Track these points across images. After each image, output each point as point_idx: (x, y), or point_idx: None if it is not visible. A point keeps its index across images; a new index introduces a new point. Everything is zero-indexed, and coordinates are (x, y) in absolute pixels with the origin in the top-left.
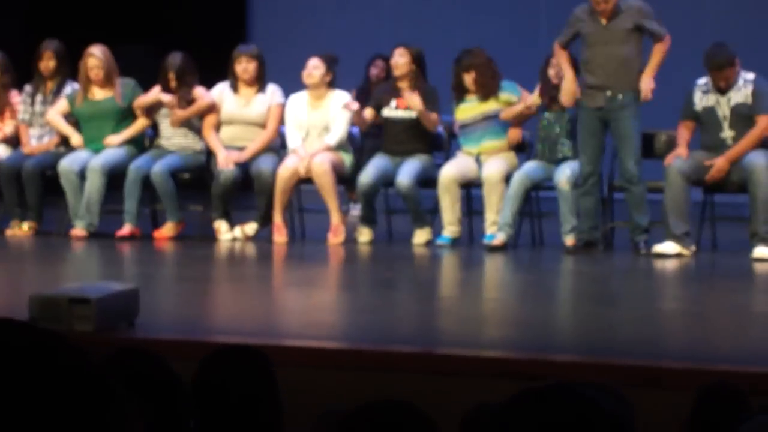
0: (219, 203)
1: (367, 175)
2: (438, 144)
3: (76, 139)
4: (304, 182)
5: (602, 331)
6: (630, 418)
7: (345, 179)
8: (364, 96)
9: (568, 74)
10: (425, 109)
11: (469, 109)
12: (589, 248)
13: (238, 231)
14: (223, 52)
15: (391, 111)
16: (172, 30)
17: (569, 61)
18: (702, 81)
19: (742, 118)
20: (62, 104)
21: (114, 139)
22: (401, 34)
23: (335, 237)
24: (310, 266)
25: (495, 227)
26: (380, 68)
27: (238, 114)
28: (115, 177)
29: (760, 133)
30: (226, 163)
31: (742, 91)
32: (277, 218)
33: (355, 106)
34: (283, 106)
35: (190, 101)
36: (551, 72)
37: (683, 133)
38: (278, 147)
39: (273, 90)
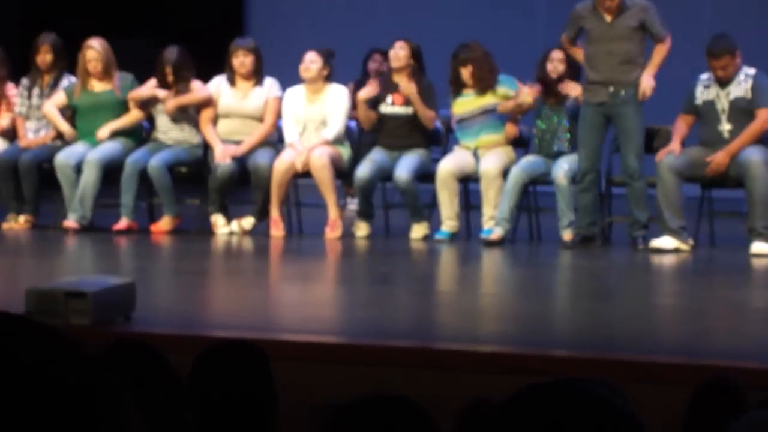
0: (216, 197)
1: (364, 170)
2: (435, 138)
3: (68, 133)
4: (301, 176)
5: (599, 326)
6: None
7: (343, 173)
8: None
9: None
10: (422, 103)
11: (466, 103)
12: (587, 243)
13: (235, 225)
14: (220, 45)
15: (387, 107)
16: (170, 24)
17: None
18: (704, 76)
19: (741, 112)
20: (59, 97)
21: (103, 131)
22: (398, 28)
23: (332, 231)
24: (307, 261)
25: (492, 222)
26: (379, 62)
27: (236, 107)
28: (111, 170)
29: (759, 126)
30: (223, 157)
31: (742, 86)
32: (274, 212)
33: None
34: (280, 100)
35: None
36: (549, 66)
37: (680, 126)
38: (275, 141)
39: (270, 83)
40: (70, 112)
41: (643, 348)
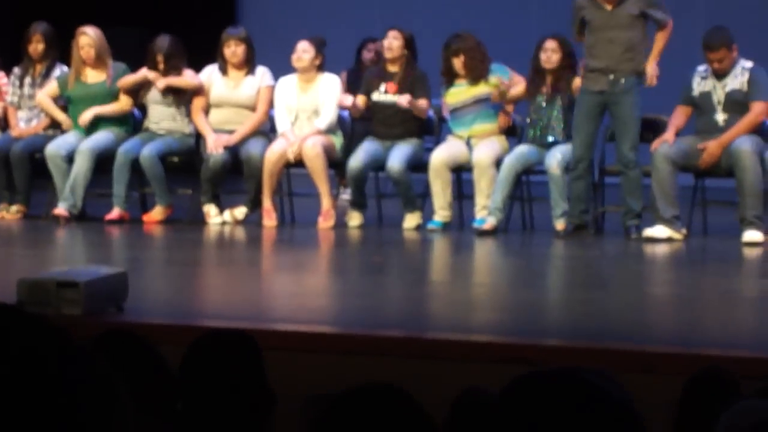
0: (208, 187)
1: (356, 160)
2: (428, 128)
3: (65, 122)
4: (293, 166)
5: (592, 315)
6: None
7: (336, 163)
8: (355, 79)
9: None
10: (415, 98)
11: (459, 93)
12: (579, 231)
13: (227, 215)
14: (212, 35)
15: (380, 95)
16: (162, 13)
17: None
18: (702, 68)
19: (736, 103)
20: (52, 86)
21: (86, 115)
22: (391, 18)
23: (325, 221)
24: (299, 250)
25: (485, 211)
26: (373, 52)
27: (227, 97)
28: (104, 160)
29: (753, 119)
30: (215, 146)
31: (738, 78)
32: (267, 202)
33: (348, 101)
34: (272, 89)
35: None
36: (543, 56)
37: (677, 117)
38: (268, 130)
39: (262, 72)
40: (62, 102)
41: (636, 337)
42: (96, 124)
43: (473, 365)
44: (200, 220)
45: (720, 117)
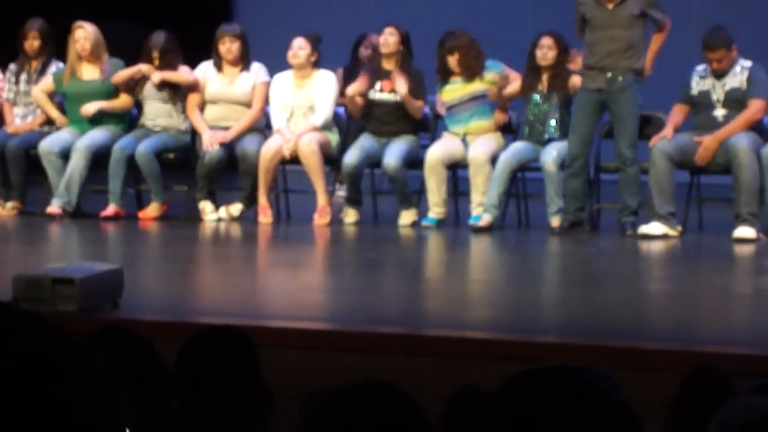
0: (204, 183)
1: (352, 157)
2: (424, 125)
3: (59, 120)
4: (289, 163)
5: (588, 312)
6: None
7: (331, 160)
8: (351, 76)
9: None
10: (411, 95)
11: (454, 91)
12: (575, 228)
13: (223, 211)
14: (208, 31)
15: (376, 93)
16: (158, 9)
17: None
18: (701, 67)
19: (736, 101)
20: (47, 82)
21: (90, 106)
22: (386, 14)
23: (321, 218)
24: (295, 247)
25: (481, 208)
26: (371, 49)
27: (223, 93)
28: (99, 157)
29: (750, 115)
30: (211, 143)
31: (738, 77)
32: (262, 199)
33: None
34: (268, 85)
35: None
36: (539, 53)
37: (675, 115)
38: (263, 127)
39: (257, 68)
40: (58, 98)
41: (631, 334)
42: (93, 120)
43: (469, 362)
44: (196, 217)
45: (719, 113)
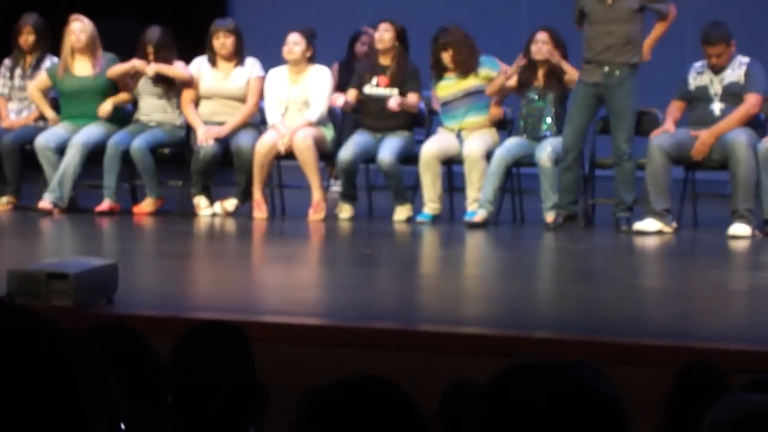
0: (199, 179)
1: (347, 152)
2: (419, 120)
3: (52, 118)
4: (284, 158)
5: (582, 308)
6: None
7: (326, 155)
8: (346, 71)
9: None
10: (405, 92)
11: (449, 87)
12: (569, 223)
13: (217, 207)
14: (202, 26)
15: (372, 88)
16: (153, 4)
17: None
18: (698, 63)
19: (733, 95)
20: (42, 78)
21: (106, 106)
22: (382, 9)
23: (316, 213)
24: (290, 242)
25: (476, 204)
26: (367, 45)
27: (217, 89)
28: (94, 152)
29: (747, 110)
30: (205, 138)
31: (736, 72)
32: (257, 194)
33: (341, 101)
34: (262, 80)
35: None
36: (534, 48)
37: (673, 111)
38: (258, 122)
39: (252, 63)
40: (54, 93)
41: (625, 330)
42: (87, 116)
43: (464, 357)
44: (190, 212)
45: (716, 107)
